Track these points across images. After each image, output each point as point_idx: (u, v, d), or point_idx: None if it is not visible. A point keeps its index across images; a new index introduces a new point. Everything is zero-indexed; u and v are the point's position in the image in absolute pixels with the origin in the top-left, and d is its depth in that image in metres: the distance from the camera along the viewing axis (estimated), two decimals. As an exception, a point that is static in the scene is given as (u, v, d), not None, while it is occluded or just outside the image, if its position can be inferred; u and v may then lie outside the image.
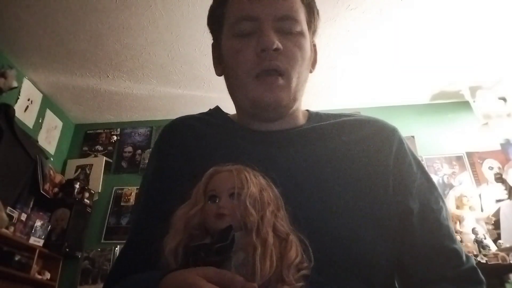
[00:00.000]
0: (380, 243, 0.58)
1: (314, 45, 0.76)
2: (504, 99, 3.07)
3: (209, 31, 0.76)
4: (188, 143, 0.68)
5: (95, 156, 3.70)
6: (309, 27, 0.71)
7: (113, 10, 2.57)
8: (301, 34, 0.67)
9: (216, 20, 0.72)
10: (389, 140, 0.67)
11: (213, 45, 0.76)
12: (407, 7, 2.57)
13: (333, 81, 3.31)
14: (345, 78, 3.29)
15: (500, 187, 3.00)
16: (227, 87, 0.73)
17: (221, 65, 0.73)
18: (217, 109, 0.79)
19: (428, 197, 0.65)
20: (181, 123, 0.74)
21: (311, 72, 0.74)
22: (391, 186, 0.63)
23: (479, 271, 0.61)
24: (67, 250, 2.99)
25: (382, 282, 0.58)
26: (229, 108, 0.78)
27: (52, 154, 3.48)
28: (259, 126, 0.69)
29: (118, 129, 3.84)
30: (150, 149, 2.95)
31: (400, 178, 0.64)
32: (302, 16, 0.68)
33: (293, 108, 0.69)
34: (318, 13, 0.74)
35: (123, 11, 2.58)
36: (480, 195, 3.02)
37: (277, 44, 0.62)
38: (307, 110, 0.78)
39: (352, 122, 0.70)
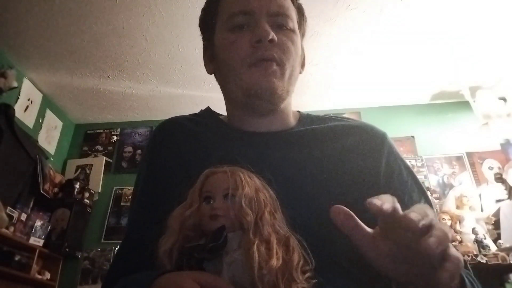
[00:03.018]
0: None
1: (303, 49, 0.77)
2: (504, 99, 3.07)
3: (200, 33, 0.78)
4: (182, 143, 0.68)
5: (95, 156, 3.71)
6: (299, 28, 0.73)
7: (113, 10, 2.57)
8: (293, 31, 0.69)
9: (209, 19, 0.74)
10: (380, 147, 0.68)
11: (204, 45, 0.77)
12: (407, 7, 2.58)
13: (333, 81, 3.31)
14: (345, 78, 3.29)
15: (500, 187, 3.00)
16: (219, 83, 0.74)
17: (213, 63, 0.74)
18: (208, 110, 0.79)
19: (419, 200, 0.65)
20: (173, 124, 0.74)
21: (300, 73, 0.75)
22: (382, 192, 0.63)
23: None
24: (67, 250, 3.00)
25: (376, 285, 0.59)
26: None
27: (52, 154, 3.48)
28: (250, 125, 0.69)
29: (118, 129, 3.84)
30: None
31: (390, 185, 0.64)
32: (293, 15, 0.71)
33: (284, 102, 0.69)
34: (306, 20, 0.76)
35: (123, 11, 2.58)
36: (480, 195, 3.02)
37: (273, 35, 0.63)
38: (298, 111, 0.78)
39: (343, 128, 0.71)
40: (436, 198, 3.06)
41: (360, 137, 0.68)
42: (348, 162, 0.64)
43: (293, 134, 0.69)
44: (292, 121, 0.73)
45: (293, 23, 0.69)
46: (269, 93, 0.65)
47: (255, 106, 0.68)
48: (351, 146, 0.66)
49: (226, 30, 0.68)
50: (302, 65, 0.76)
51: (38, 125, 3.30)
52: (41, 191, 3.01)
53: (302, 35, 0.75)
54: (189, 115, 0.77)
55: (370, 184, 0.63)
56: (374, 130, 0.71)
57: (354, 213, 0.59)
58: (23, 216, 2.72)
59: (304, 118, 0.75)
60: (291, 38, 0.67)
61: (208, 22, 0.74)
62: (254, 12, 0.65)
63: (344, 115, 3.59)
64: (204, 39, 0.77)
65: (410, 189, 0.66)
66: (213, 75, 0.77)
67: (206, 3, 0.76)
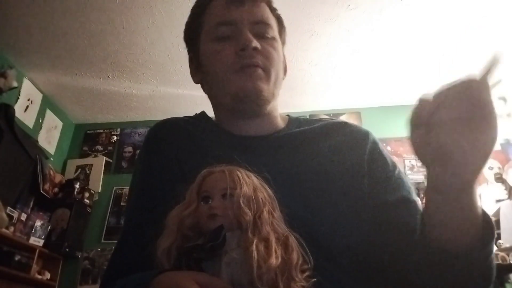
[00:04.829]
0: (368, 241, 0.60)
1: (284, 56, 0.80)
2: (504, 99, 3.07)
3: (185, 46, 0.81)
4: (178, 143, 0.69)
5: (95, 156, 3.71)
6: (280, 37, 0.76)
7: (113, 10, 2.57)
8: (274, 39, 0.73)
9: (194, 31, 0.77)
10: (363, 141, 0.71)
11: (190, 57, 0.80)
12: (407, 7, 2.58)
13: (333, 81, 3.31)
14: (345, 78, 3.29)
15: (500, 187, 3.00)
16: (206, 91, 0.77)
17: (199, 72, 0.77)
18: (203, 113, 0.81)
19: (408, 191, 0.67)
20: (169, 124, 0.75)
21: (283, 78, 0.78)
22: (366, 185, 0.65)
23: None
24: (67, 250, 3.00)
25: (374, 279, 0.59)
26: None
27: (52, 154, 3.48)
28: (239, 129, 0.71)
29: (118, 129, 3.84)
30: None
31: (375, 176, 0.67)
32: (274, 24, 0.75)
33: (270, 105, 0.71)
34: (285, 29, 0.80)
35: (123, 11, 2.58)
36: (480, 195, 3.01)
37: (256, 43, 0.67)
38: (287, 115, 0.80)
39: (329, 127, 0.74)
40: (436, 198, 3.05)
41: (345, 135, 0.72)
42: (336, 160, 0.67)
43: (283, 136, 0.71)
44: (281, 124, 0.76)
45: (274, 31, 0.73)
46: (256, 96, 0.67)
47: (242, 109, 0.70)
48: (338, 144, 0.70)
49: (211, 41, 0.71)
50: (284, 71, 0.80)
51: (38, 125, 3.30)
52: (41, 191, 3.01)
53: (283, 43, 0.79)
54: (184, 117, 0.79)
55: (357, 176, 0.66)
56: (358, 128, 0.76)
57: (345, 204, 0.61)
58: (23, 216, 2.72)
59: (293, 121, 0.78)
60: (273, 46, 0.71)
61: (193, 35, 0.77)
62: (237, 22, 0.69)
63: (344, 115, 3.60)
64: (189, 51, 0.80)
65: (396, 178, 0.68)
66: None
67: (190, 17, 0.79)
